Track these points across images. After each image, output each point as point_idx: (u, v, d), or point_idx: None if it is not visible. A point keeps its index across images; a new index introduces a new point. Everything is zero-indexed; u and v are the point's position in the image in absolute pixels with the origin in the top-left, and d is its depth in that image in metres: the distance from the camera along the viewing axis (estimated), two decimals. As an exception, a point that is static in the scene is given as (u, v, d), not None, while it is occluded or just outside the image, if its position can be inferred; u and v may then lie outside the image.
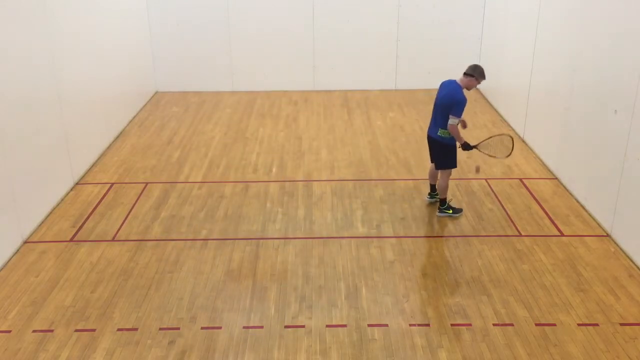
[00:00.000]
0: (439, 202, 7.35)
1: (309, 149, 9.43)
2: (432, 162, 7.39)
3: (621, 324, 5.43)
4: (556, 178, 8.28)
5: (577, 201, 7.63)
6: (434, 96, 7.39)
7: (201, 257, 6.53)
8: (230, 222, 7.23)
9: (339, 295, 5.88)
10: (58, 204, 7.66)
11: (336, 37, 12.18)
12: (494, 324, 5.45)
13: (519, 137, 9.74)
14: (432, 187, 7.60)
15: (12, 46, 6.65)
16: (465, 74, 6.90)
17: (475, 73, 6.85)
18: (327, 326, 5.44)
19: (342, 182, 8.28)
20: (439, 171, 7.28)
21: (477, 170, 7.68)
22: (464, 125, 7.32)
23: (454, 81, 7.01)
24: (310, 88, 12.51)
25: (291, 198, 7.83)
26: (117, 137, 9.97)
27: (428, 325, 5.45)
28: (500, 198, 7.75)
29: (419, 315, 5.57)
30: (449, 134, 6.99)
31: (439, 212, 7.30)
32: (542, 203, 7.63)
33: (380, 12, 12.05)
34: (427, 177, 7.76)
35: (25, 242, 6.82)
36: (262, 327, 5.45)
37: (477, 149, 7.08)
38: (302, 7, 12.00)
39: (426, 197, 7.67)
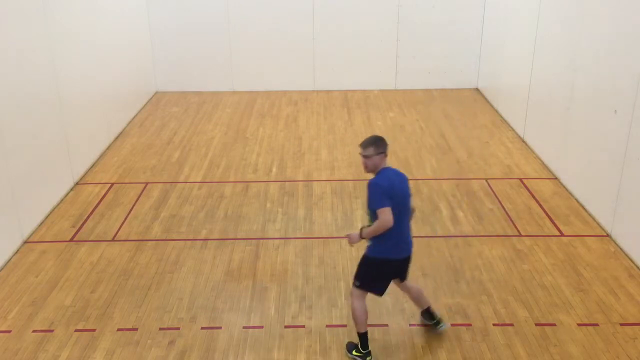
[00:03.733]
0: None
1: (309, 149, 9.43)
2: (402, 280, 5.19)
3: (621, 324, 5.43)
4: (556, 178, 8.28)
5: (577, 201, 7.63)
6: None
7: (201, 257, 6.53)
8: (230, 222, 7.23)
9: (339, 295, 5.87)
10: (58, 204, 7.66)
11: (336, 37, 12.17)
12: (494, 324, 5.45)
13: (519, 137, 9.75)
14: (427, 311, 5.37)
15: (12, 46, 6.65)
16: (380, 153, 4.88)
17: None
18: (327, 326, 5.44)
19: (342, 182, 8.28)
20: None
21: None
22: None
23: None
24: (310, 88, 12.50)
25: (291, 198, 7.83)
26: (117, 137, 9.96)
27: (428, 325, 5.45)
28: (500, 198, 7.75)
29: (419, 315, 5.57)
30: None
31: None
32: (542, 203, 7.62)
33: (380, 12, 12.05)
34: (413, 301, 5.43)
35: (25, 242, 6.82)
36: (262, 327, 5.45)
37: None
38: (302, 7, 11.99)
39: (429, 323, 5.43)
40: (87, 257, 6.55)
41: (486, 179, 8.28)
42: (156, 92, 12.44)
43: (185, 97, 12.13)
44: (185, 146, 9.56)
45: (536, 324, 5.45)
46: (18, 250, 6.67)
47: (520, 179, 8.29)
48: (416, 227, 7.08)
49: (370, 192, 4.76)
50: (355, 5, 12.00)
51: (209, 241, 6.85)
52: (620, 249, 6.58)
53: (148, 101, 11.88)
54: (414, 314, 5.58)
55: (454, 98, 11.82)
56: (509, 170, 8.56)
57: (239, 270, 6.29)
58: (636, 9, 6.32)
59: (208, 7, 11.96)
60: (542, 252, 6.55)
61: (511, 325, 5.45)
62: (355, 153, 9.23)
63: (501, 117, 10.73)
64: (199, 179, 8.39)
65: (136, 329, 5.43)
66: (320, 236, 6.93)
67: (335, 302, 5.78)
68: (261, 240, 6.85)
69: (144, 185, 8.23)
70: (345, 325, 5.45)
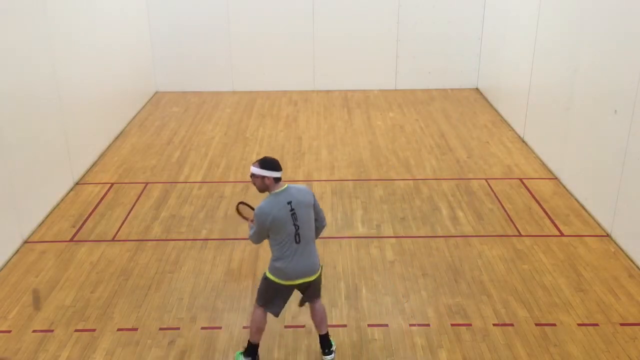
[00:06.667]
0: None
1: (309, 149, 9.43)
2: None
3: (621, 324, 5.43)
4: (556, 178, 8.28)
5: (577, 201, 7.63)
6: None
7: (201, 257, 6.53)
8: (230, 222, 7.23)
9: (339, 296, 5.87)
10: (58, 204, 7.66)
11: (336, 37, 12.17)
12: (494, 324, 5.45)
13: (519, 137, 9.75)
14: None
15: (12, 46, 6.65)
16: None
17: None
18: (327, 326, 5.43)
19: (342, 182, 8.28)
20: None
21: None
22: None
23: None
24: (310, 88, 12.50)
25: (291, 198, 7.82)
26: (117, 137, 9.97)
27: (428, 325, 5.45)
28: (500, 198, 7.75)
29: (419, 315, 5.57)
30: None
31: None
32: (542, 203, 7.62)
33: (380, 12, 12.05)
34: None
35: (25, 242, 6.82)
36: (262, 327, 5.44)
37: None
38: (302, 7, 12.00)
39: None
40: (87, 257, 6.55)
41: (486, 179, 8.28)
42: (156, 92, 12.44)
43: (185, 97, 12.13)
44: (185, 146, 9.56)
45: (536, 324, 5.45)
46: (18, 250, 6.67)
47: (520, 179, 8.29)
48: (416, 227, 7.09)
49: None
50: (355, 5, 12.00)
51: (209, 241, 6.85)
52: (620, 249, 6.58)
53: (148, 101, 11.88)
54: (414, 314, 5.59)
55: (454, 98, 11.82)
56: (509, 170, 8.56)
57: (239, 270, 6.29)
58: (636, 9, 6.32)
59: (208, 7, 11.96)
60: (542, 252, 6.55)
61: (511, 325, 5.45)
62: (355, 153, 9.24)
63: (501, 117, 10.73)
64: (199, 179, 8.39)
65: (136, 329, 5.43)
66: (320, 236, 6.89)
67: (335, 302, 5.78)
68: (261, 240, 6.85)
69: (144, 185, 8.23)
70: (345, 325, 5.45)
